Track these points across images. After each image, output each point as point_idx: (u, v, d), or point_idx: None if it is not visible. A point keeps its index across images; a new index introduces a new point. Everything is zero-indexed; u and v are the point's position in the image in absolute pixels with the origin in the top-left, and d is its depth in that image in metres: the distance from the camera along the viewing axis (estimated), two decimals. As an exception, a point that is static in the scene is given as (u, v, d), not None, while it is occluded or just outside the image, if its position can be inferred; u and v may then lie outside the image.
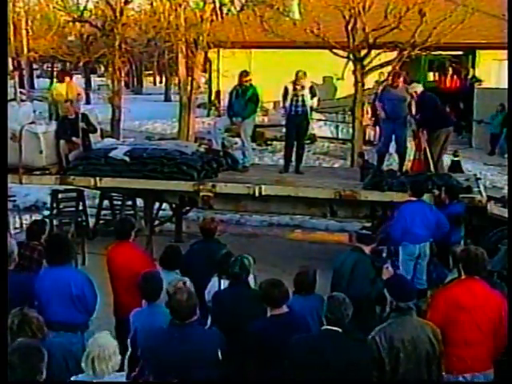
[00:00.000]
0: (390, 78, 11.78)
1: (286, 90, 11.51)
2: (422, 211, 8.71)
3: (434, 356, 5.19)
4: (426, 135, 10.99)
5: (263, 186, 10.65)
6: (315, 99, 11.67)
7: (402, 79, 11.49)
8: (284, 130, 13.01)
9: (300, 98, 11.37)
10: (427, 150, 10.97)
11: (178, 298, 5.15)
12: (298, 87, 11.34)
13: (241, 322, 5.61)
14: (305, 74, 11.35)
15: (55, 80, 15.99)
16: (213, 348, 5.16)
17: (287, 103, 11.49)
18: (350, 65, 15.86)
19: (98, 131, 12.26)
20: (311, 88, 11.50)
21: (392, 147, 11.93)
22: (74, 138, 11.32)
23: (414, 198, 8.85)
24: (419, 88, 11.09)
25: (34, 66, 43.87)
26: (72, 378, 4.66)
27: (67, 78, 14.72)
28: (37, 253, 6.83)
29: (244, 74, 11.65)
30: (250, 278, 6.55)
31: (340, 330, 4.98)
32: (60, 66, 45.69)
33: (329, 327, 5.02)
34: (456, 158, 12.26)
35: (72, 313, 6.03)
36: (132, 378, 5.36)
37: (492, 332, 5.41)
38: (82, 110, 13.06)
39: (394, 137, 11.45)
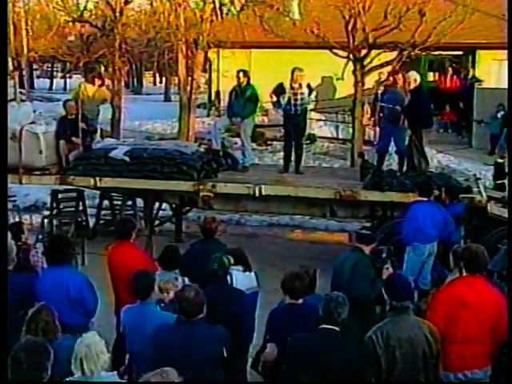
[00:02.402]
0: (391, 77, 11.77)
1: (282, 86, 11.43)
2: (432, 211, 8.70)
3: (430, 355, 5.19)
4: (410, 132, 10.99)
5: (263, 186, 10.65)
6: (312, 95, 11.68)
7: (400, 76, 11.50)
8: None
9: (299, 97, 11.34)
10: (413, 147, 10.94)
11: (185, 296, 5.18)
12: (296, 85, 11.30)
13: (219, 320, 5.62)
14: (301, 70, 11.33)
15: (83, 80, 16.03)
16: (218, 345, 5.19)
17: (283, 101, 11.42)
18: (350, 65, 15.86)
19: (98, 131, 12.29)
20: (308, 85, 11.48)
21: (392, 147, 11.93)
22: (73, 138, 11.32)
23: (423, 199, 8.84)
24: (418, 77, 11.01)
25: (34, 66, 43.80)
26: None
27: (98, 82, 14.73)
28: (22, 252, 6.84)
29: (241, 73, 11.63)
30: (252, 276, 6.56)
31: (336, 328, 4.99)
32: (60, 66, 45.77)
33: (325, 326, 5.04)
34: (501, 160, 11.53)
35: (71, 314, 6.00)
36: (121, 372, 5.39)
37: (492, 329, 5.41)
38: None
39: (393, 138, 11.45)
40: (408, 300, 5.30)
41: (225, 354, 5.21)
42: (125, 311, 5.97)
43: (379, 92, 13.58)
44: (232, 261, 6.29)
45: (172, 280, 6.07)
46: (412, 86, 10.79)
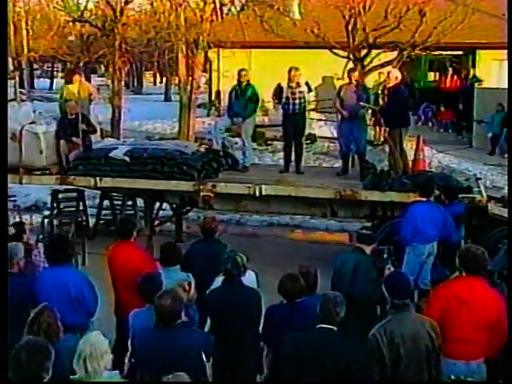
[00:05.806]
0: (346, 75, 11.69)
1: (280, 88, 11.41)
2: (432, 211, 8.69)
3: (433, 350, 5.24)
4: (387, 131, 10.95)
5: (263, 186, 10.64)
6: (312, 93, 11.66)
7: (356, 75, 11.47)
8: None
9: (297, 96, 11.30)
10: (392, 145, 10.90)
11: (161, 303, 5.17)
12: (294, 85, 11.27)
13: (233, 319, 5.62)
14: (297, 69, 11.29)
15: (63, 81, 15.82)
16: (195, 350, 5.15)
17: (282, 101, 11.41)
18: (350, 65, 15.87)
19: (98, 131, 12.27)
20: (306, 83, 11.46)
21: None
22: (74, 138, 11.32)
23: (423, 199, 8.83)
24: (399, 75, 10.93)
25: (34, 66, 43.84)
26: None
27: (76, 77, 14.51)
28: (24, 253, 6.83)
29: (242, 72, 11.62)
30: (252, 276, 6.55)
31: (334, 328, 5.00)
32: (61, 67, 45.80)
33: (322, 325, 5.05)
34: None
35: (71, 314, 5.98)
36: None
37: (489, 330, 5.40)
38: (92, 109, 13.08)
39: (352, 137, 11.38)
40: (409, 297, 5.35)
41: (204, 359, 5.17)
42: (133, 316, 5.92)
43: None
44: (244, 259, 6.27)
45: (179, 286, 5.99)
46: (392, 83, 10.73)
